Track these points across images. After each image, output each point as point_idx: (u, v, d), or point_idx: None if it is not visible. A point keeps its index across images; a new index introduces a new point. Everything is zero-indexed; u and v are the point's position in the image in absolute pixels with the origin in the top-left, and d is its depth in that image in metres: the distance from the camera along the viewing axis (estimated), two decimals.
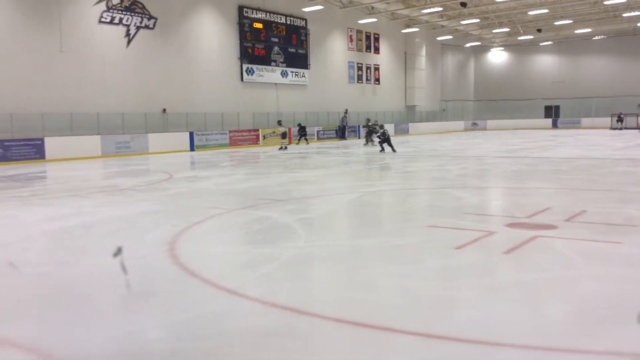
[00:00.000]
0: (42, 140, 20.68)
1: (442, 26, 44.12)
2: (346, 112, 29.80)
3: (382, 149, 21.84)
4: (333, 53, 36.73)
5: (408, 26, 42.02)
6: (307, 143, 29.50)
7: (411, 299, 4.37)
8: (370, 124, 28.79)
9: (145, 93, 25.20)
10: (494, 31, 46.90)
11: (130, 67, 24.71)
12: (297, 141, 29.50)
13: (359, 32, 38.66)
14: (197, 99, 27.55)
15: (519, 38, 48.38)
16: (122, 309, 4.31)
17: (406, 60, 43.88)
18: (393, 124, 40.25)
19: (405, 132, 41.06)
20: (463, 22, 42.41)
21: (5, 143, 19.66)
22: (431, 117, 46.49)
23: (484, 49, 52.53)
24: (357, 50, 38.81)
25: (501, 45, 52.25)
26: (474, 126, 49.02)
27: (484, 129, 48.44)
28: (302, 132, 29.44)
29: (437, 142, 29.89)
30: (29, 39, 21.30)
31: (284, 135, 25.40)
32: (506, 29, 45.63)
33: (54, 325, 3.93)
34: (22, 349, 3.50)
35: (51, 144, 20.85)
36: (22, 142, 20.16)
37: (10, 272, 5.35)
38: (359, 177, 13.93)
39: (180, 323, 3.89)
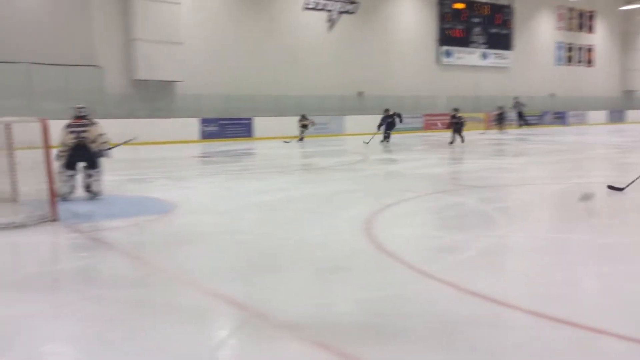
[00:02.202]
0: (250, 120, 22.64)
1: None
2: (517, 98, 28.94)
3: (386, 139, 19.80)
4: (539, 33, 34.29)
5: (629, 2, 37.46)
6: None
7: (622, 301, 3.93)
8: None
9: (343, 76, 26.10)
10: None
11: (331, 51, 25.76)
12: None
13: (570, 9, 35.55)
14: (393, 82, 27.77)
15: None
16: (320, 280, 4.53)
17: (626, 40, 39.24)
18: (606, 111, 36.43)
19: (620, 120, 36.86)
20: None
21: (220, 122, 21.94)
22: None
23: None
24: (567, 30, 35.73)
25: None
26: None
27: None
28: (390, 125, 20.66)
29: None
30: (245, 25, 23.33)
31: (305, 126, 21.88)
32: None
33: (261, 288, 4.28)
34: (238, 306, 3.86)
35: (259, 124, 22.73)
36: (234, 121, 22.31)
37: (223, 238, 5.94)
38: (565, 167, 12.88)
39: (374, 300, 3.97)
